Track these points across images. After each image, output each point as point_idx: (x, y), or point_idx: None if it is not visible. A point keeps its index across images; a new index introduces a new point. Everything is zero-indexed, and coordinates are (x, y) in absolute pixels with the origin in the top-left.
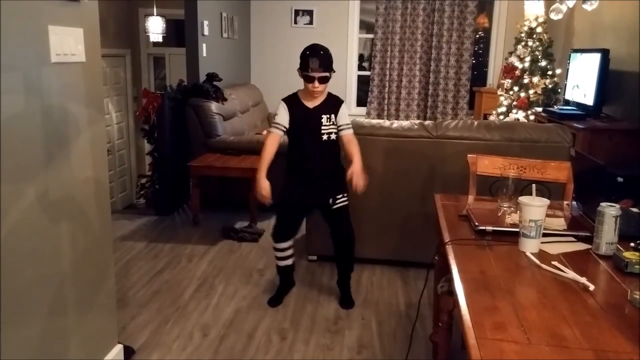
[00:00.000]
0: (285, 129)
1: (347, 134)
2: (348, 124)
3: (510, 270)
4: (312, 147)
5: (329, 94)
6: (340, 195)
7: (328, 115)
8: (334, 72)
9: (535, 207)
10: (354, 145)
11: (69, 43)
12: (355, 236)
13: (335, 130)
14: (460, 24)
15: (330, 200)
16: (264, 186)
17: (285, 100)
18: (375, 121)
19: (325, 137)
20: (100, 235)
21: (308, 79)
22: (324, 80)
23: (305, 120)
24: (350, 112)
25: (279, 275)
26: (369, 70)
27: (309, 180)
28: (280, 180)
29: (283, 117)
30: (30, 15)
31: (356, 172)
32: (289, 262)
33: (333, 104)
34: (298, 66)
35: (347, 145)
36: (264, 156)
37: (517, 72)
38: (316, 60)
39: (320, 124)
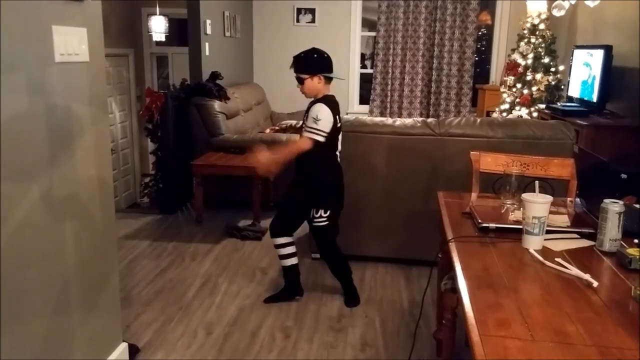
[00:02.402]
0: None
1: None
2: None
3: (513, 267)
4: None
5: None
6: (318, 214)
7: None
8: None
9: (538, 204)
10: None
11: (72, 43)
12: (333, 258)
13: None
14: (462, 21)
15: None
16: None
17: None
18: (378, 119)
19: None
20: (104, 234)
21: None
22: None
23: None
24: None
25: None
26: (372, 68)
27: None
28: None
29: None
30: (34, 16)
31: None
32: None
33: None
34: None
35: None
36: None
37: (519, 69)
38: None
39: None
